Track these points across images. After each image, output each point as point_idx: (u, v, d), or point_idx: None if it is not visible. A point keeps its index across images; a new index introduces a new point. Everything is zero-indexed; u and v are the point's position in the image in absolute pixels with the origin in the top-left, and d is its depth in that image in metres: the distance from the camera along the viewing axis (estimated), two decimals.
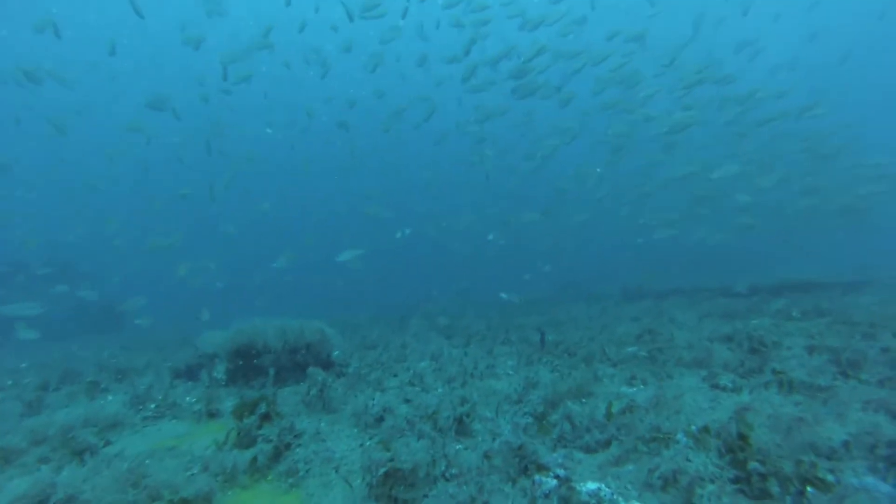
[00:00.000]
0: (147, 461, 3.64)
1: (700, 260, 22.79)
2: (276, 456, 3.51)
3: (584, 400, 4.61)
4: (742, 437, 2.82)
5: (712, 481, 2.63)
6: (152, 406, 5.53)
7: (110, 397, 6.34)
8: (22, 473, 3.37)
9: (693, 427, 3.51)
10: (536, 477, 3.03)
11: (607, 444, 3.56)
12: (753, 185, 13.16)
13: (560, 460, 3.30)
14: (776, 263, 21.20)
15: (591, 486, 3.01)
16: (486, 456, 3.17)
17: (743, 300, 11.23)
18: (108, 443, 4.26)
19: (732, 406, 3.89)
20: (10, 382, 7.68)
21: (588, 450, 3.54)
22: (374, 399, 4.46)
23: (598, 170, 14.34)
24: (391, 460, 2.96)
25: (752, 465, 2.60)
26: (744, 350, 5.86)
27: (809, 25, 25.73)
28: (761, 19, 22.47)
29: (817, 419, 2.95)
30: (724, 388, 4.69)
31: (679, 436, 3.37)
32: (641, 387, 5.14)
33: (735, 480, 2.62)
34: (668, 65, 10.20)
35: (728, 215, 16.95)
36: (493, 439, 3.63)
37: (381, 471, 2.84)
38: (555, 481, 3.05)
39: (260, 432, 3.80)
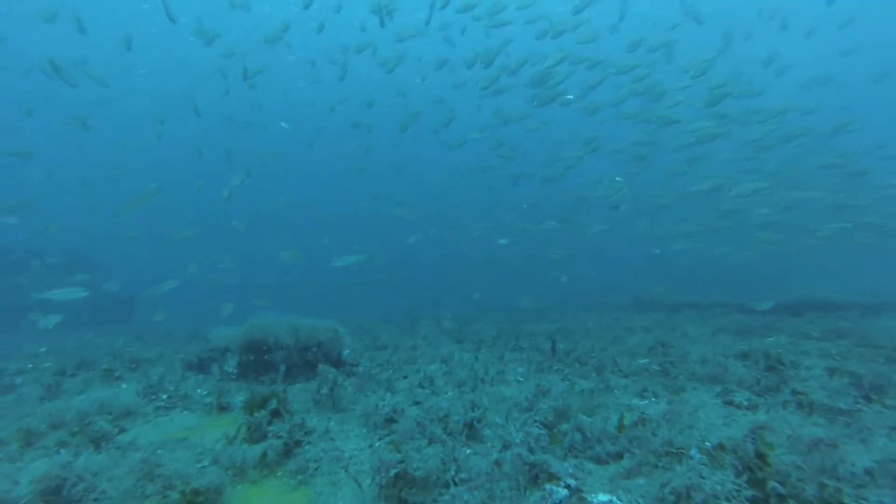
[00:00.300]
0: (159, 451, 3.70)
1: (715, 274, 22.43)
2: (286, 452, 3.53)
3: (595, 410, 4.56)
4: (760, 455, 2.76)
5: (728, 500, 2.58)
6: (164, 397, 5.61)
7: (124, 386, 6.45)
8: (42, 456, 3.44)
9: (707, 443, 3.45)
10: (547, 486, 3.00)
11: (619, 456, 3.52)
12: (778, 201, 12.90)
13: (570, 470, 3.26)
14: (794, 281, 20.77)
15: (603, 497, 2.98)
16: (497, 463, 3.14)
17: (759, 317, 11.02)
18: (122, 430, 4.32)
19: (748, 424, 3.81)
20: (30, 366, 7.87)
21: (599, 461, 3.50)
22: (384, 400, 4.46)
23: (619, 178, 14.19)
24: (402, 462, 2.96)
25: (772, 485, 2.54)
26: (760, 368, 5.74)
27: (842, 41, 25.14)
28: (793, 34, 22.07)
29: (839, 443, 2.87)
30: (738, 406, 4.60)
31: (693, 451, 3.31)
32: (653, 400, 5.08)
33: (752, 501, 2.56)
34: (699, 75, 10.07)
35: (749, 231, 16.66)
36: (503, 446, 3.60)
37: (392, 472, 2.84)
38: (565, 491, 3.02)
39: (270, 428, 3.83)
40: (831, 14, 22.45)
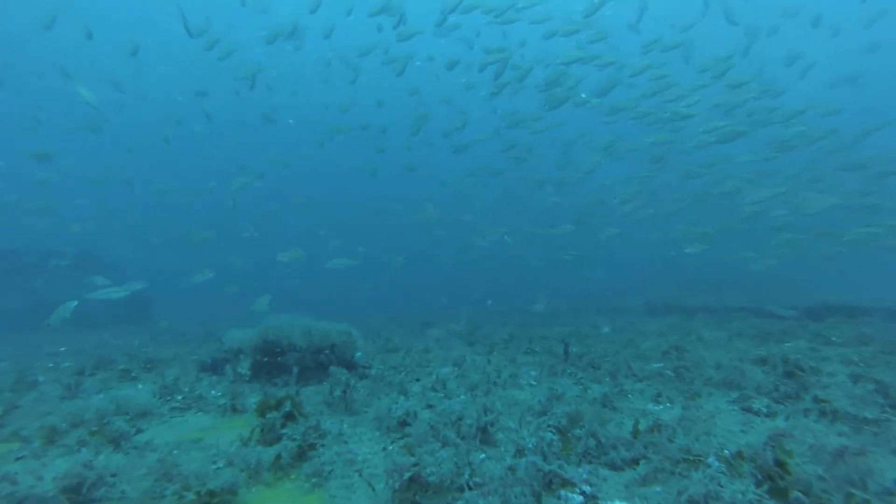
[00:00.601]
0: (175, 452, 3.74)
1: (730, 278, 22.06)
2: (300, 455, 3.54)
3: (609, 415, 4.50)
4: (780, 464, 2.69)
5: None
6: (179, 398, 5.67)
7: (140, 386, 6.55)
8: (64, 454, 3.51)
9: (726, 451, 3.38)
10: (562, 492, 2.97)
11: (634, 462, 3.47)
12: (799, 204, 12.61)
13: (585, 476, 3.23)
14: (812, 285, 20.30)
15: None
16: (511, 468, 3.12)
17: (777, 321, 10.80)
18: (139, 430, 4.39)
19: (767, 431, 3.72)
20: (50, 365, 8.04)
21: (614, 467, 3.45)
22: (397, 403, 4.46)
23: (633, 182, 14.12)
24: (415, 465, 2.95)
25: (795, 494, 2.48)
26: (778, 374, 5.61)
27: (869, 39, 24.41)
28: (818, 31, 21.51)
29: (865, 453, 2.78)
30: (757, 413, 4.51)
31: (710, 459, 3.25)
32: (668, 405, 5.00)
33: None
34: (719, 76, 9.90)
35: (767, 233, 16.34)
36: (517, 451, 3.57)
37: (406, 476, 2.83)
38: (581, 497, 2.99)
39: (284, 431, 3.85)
40: (858, 11, 21.86)
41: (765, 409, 4.52)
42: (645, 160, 15.21)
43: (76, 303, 8.23)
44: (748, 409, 4.61)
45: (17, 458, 3.55)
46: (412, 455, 3.19)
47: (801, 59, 18.90)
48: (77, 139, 27.47)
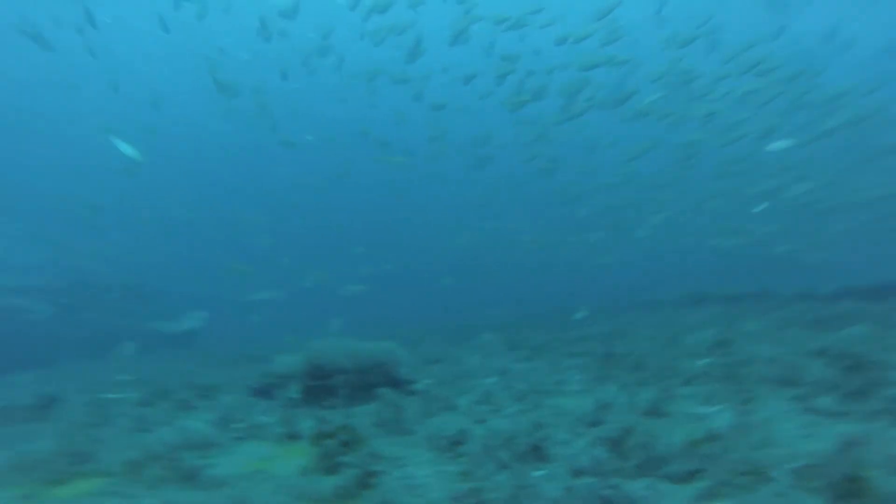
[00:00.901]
0: (243, 484, 3.93)
1: (775, 265, 21.14)
2: (361, 483, 3.65)
3: (661, 422, 4.43)
4: (855, 479, 2.58)
5: None
6: (236, 426, 5.87)
7: (199, 415, 6.86)
8: (146, 490, 3.77)
9: (791, 463, 3.27)
10: None
11: (692, 475, 3.40)
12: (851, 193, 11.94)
13: (643, 492, 3.20)
14: (867, 266, 19.17)
15: None
16: (568, 489, 3.14)
17: (830, 305, 10.24)
18: (206, 462, 4.63)
19: (834, 437, 3.56)
20: (117, 396, 8.53)
21: (672, 480, 3.40)
22: (447, 422, 4.55)
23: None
24: (476, 491, 3.02)
25: None
26: (839, 367, 5.34)
27: None
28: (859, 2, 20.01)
29: None
30: (820, 414, 4.31)
31: (776, 472, 3.15)
32: (721, 407, 4.85)
33: None
34: (746, 71, 9.57)
35: (813, 217, 15.58)
36: (572, 468, 3.57)
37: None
38: None
39: (343, 459, 3.98)
40: None
41: (829, 410, 4.31)
42: (675, 157, 14.80)
43: (134, 344, 8.73)
44: (810, 410, 4.42)
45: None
46: (469, 480, 3.25)
47: (839, 34, 17.72)
48: (117, 182, 29.22)
